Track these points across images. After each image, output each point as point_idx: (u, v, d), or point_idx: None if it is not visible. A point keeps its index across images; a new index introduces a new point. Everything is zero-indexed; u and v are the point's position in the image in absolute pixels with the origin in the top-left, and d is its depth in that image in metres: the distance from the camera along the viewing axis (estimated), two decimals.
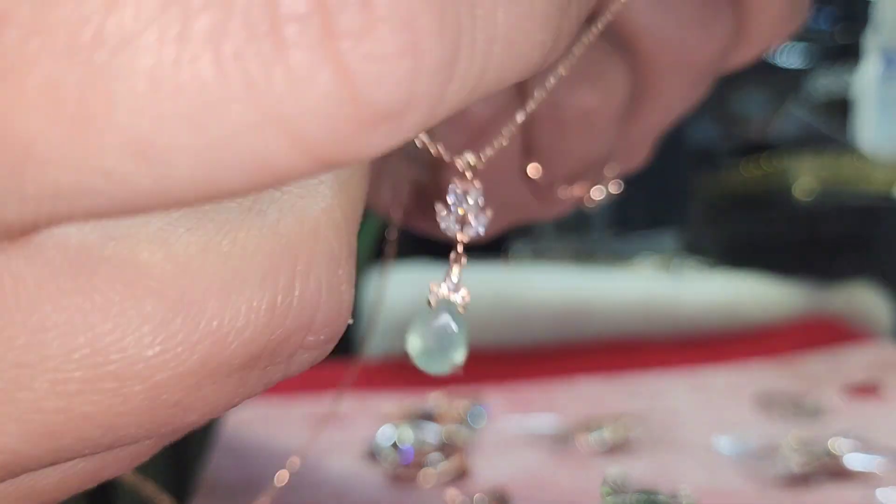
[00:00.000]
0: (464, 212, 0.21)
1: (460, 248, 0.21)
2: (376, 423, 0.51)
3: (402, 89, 0.12)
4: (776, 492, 0.41)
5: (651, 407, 0.56)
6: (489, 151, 0.22)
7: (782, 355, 0.66)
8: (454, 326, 0.21)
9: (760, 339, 0.67)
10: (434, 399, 0.55)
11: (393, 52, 0.12)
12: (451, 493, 0.38)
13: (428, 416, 0.52)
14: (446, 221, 0.21)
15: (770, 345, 0.67)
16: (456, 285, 0.21)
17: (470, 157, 0.21)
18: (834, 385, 0.60)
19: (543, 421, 0.51)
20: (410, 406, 0.54)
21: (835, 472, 0.43)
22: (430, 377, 0.63)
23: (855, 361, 0.65)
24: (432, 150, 0.21)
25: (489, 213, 0.21)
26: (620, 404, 0.55)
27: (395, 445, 0.45)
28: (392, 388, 0.61)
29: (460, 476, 0.43)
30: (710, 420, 0.54)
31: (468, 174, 0.21)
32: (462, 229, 0.21)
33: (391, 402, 0.56)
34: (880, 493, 0.40)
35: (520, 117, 0.22)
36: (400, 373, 0.62)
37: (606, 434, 0.48)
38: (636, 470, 0.42)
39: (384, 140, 0.12)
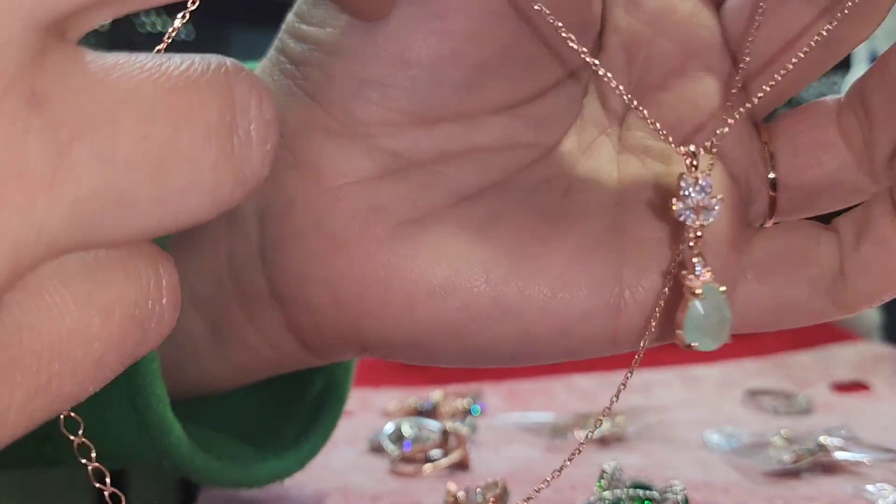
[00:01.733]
0: (698, 201, 0.22)
1: (700, 234, 0.23)
2: (380, 418, 0.52)
3: None
4: (767, 485, 0.42)
5: (645, 403, 0.57)
6: (713, 141, 0.24)
7: (773, 353, 0.67)
8: (727, 311, 0.23)
9: (751, 337, 0.68)
10: (436, 396, 0.55)
11: None
12: (452, 485, 0.38)
13: (430, 412, 0.53)
14: (682, 212, 0.23)
15: (760, 343, 0.68)
16: (705, 271, 0.23)
17: (692, 147, 0.23)
18: (823, 382, 0.62)
19: (541, 416, 0.52)
20: (413, 402, 0.55)
21: (825, 466, 0.43)
22: (431, 375, 0.63)
23: (844, 359, 0.66)
24: (663, 139, 0.24)
25: (721, 198, 0.23)
26: None
27: (398, 440, 0.46)
28: (395, 384, 0.61)
29: (460, 469, 0.44)
30: (703, 415, 0.55)
31: (693, 164, 0.23)
32: (699, 217, 0.23)
33: (394, 399, 0.57)
34: (870, 487, 0.41)
35: (735, 114, 0.24)
36: (403, 370, 0.63)
37: (602, 429, 0.49)
38: (630, 464, 0.43)
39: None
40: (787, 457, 0.43)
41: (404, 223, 0.26)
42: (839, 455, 0.44)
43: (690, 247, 0.23)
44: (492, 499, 0.38)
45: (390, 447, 0.45)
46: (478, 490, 0.38)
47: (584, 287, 0.26)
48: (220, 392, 0.33)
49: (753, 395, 0.58)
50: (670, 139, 0.24)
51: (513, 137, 0.27)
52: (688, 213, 0.23)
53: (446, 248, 0.26)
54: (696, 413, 0.55)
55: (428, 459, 0.44)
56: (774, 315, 0.27)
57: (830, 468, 0.43)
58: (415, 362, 0.29)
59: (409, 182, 0.27)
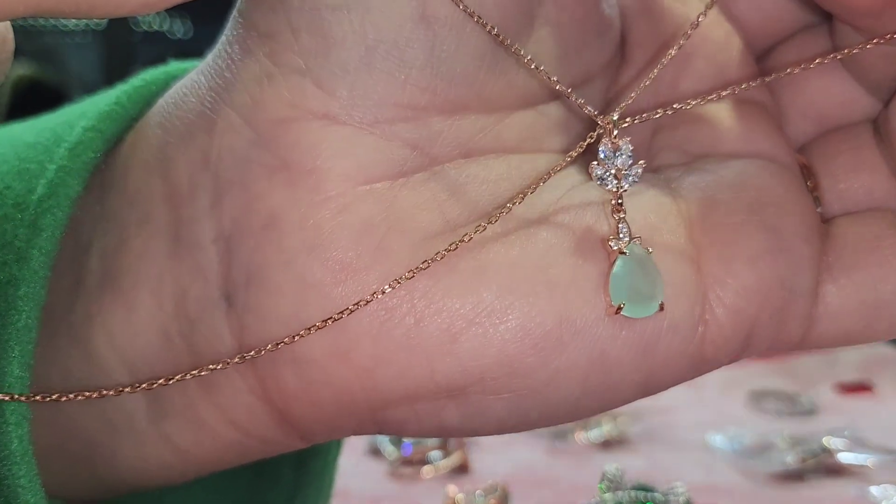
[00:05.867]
0: (618, 167, 0.21)
1: (621, 200, 0.21)
2: None
3: None
4: (771, 488, 0.42)
5: (647, 404, 0.56)
6: (640, 119, 0.21)
7: (776, 354, 0.67)
8: (653, 268, 0.21)
9: None
10: None
11: None
12: (452, 488, 0.38)
13: None
14: (602, 178, 0.21)
15: None
16: (629, 235, 0.21)
17: (615, 115, 0.21)
18: (827, 383, 0.61)
19: None
20: None
21: (829, 468, 0.43)
22: None
23: (848, 360, 0.65)
24: (583, 110, 0.21)
25: (642, 163, 0.21)
26: None
27: (396, 441, 0.45)
28: None
29: (461, 471, 0.43)
30: (706, 417, 0.54)
31: (614, 132, 0.21)
32: (619, 183, 0.21)
33: None
34: (874, 489, 0.41)
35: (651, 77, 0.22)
36: None
37: (604, 431, 0.49)
38: (633, 466, 0.43)
39: None
40: (790, 459, 0.43)
41: (433, 237, 0.21)
42: (843, 457, 0.43)
43: (614, 213, 0.21)
44: (492, 501, 0.37)
45: (388, 450, 0.45)
46: (478, 493, 0.38)
47: (667, 287, 0.21)
48: (163, 486, 0.25)
49: (757, 396, 0.58)
50: (590, 109, 0.21)
51: (539, 140, 0.23)
52: (608, 177, 0.21)
53: (490, 257, 0.21)
54: (699, 414, 0.55)
55: (427, 462, 0.43)
56: (865, 319, 0.22)
57: (834, 470, 0.43)
58: (448, 429, 0.22)
59: (434, 184, 0.21)
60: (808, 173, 0.23)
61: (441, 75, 0.20)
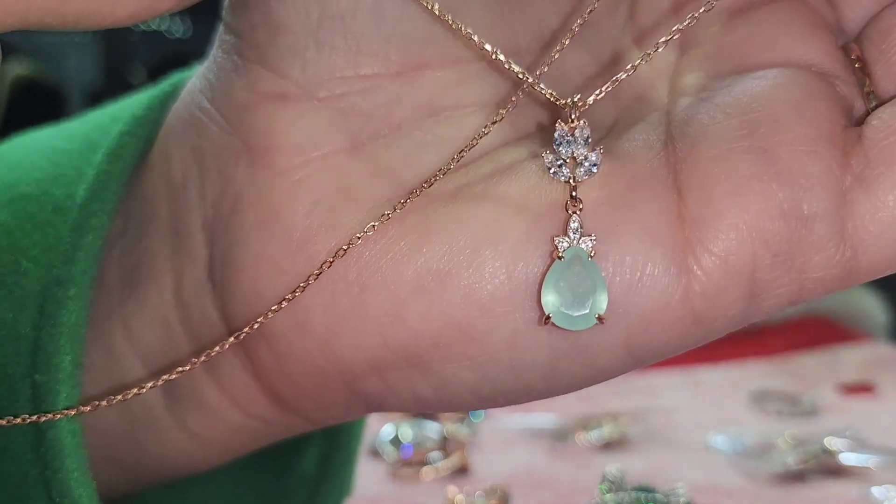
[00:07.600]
0: (573, 154, 0.19)
1: (575, 193, 0.19)
2: (378, 420, 0.52)
3: None
4: (772, 489, 0.42)
5: (648, 405, 0.56)
6: (595, 95, 0.20)
7: (778, 354, 0.67)
8: (596, 277, 0.19)
9: (756, 339, 0.68)
10: None
11: None
12: (452, 489, 0.38)
13: (429, 414, 0.52)
14: (555, 167, 0.19)
15: (766, 344, 0.68)
16: (581, 232, 0.19)
17: (574, 98, 0.20)
18: (829, 383, 0.61)
19: (542, 419, 0.52)
20: None
21: (830, 469, 0.43)
22: None
23: (849, 360, 0.65)
24: (548, 97, 0.20)
25: (600, 149, 0.19)
26: (618, 402, 0.56)
27: (396, 443, 0.45)
28: None
29: (461, 473, 0.43)
30: (707, 418, 0.54)
31: (573, 114, 0.19)
32: (574, 171, 0.19)
33: None
34: (875, 490, 0.41)
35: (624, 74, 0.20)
36: None
37: (605, 432, 0.49)
38: (633, 467, 0.43)
39: None
40: (791, 460, 0.43)
41: (383, 204, 0.20)
42: (844, 458, 0.43)
43: (567, 208, 0.19)
44: (492, 503, 0.37)
45: (388, 451, 0.45)
46: (478, 494, 0.37)
47: (634, 238, 0.19)
48: (187, 475, 0.26)
49: (758, 396, 0.58)
50: (552, 93, 0.20)
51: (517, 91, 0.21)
52: (559, 166, 0.19)
53: (438, 218, 0.20)
54: (701, 415, 0.55)
55: (427, 463, 0.43)
56: None
57: (836, 471, 0.43)
58: (424, 402, 0.21)
59: (394, 149, 0.21)
60: (860, 66, 0.21)
61: (390, 40, 0.20)
